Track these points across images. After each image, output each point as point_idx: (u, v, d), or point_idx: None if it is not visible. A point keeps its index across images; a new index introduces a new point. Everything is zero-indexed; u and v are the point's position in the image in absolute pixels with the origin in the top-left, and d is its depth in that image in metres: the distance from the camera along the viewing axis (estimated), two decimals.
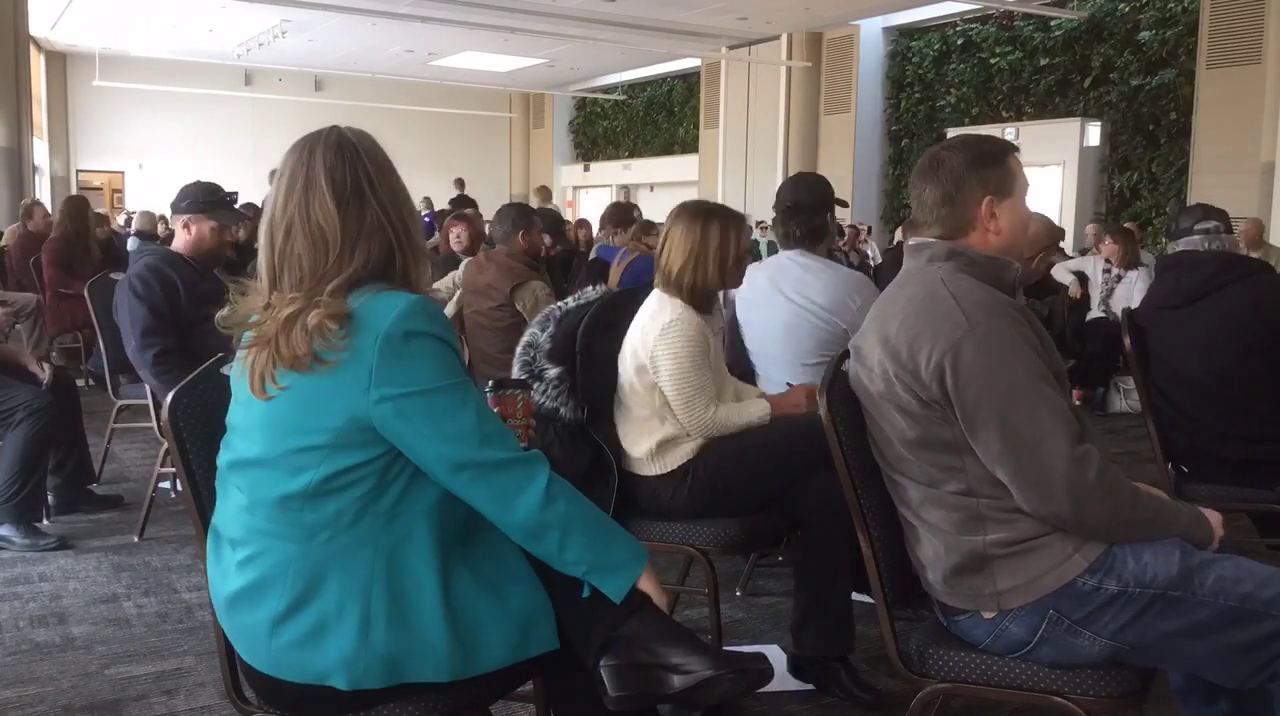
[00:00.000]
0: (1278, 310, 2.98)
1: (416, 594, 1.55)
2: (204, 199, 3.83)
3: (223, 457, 1.66)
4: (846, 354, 1.98)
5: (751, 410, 2.68)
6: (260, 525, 1.59)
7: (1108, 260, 7.41)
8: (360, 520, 1.54)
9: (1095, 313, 7.37)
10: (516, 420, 1.96)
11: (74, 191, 18.87)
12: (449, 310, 4.60)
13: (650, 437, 2.66)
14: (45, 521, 3.94)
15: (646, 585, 1.64)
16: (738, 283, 2.82)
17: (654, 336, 2.62)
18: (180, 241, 3.85)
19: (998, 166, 1.88)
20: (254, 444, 1.59)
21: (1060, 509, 1.72)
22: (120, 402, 4.43)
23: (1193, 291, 3.05)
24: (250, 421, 1.60)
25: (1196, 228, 3.12)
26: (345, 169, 1.56)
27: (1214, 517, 1.84)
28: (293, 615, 1.55)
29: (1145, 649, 1.74)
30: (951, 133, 14.70)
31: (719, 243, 2.67)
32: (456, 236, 6.21)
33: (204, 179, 4.10)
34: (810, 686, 2.66)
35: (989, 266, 1.87)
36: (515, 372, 2.74)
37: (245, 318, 1.60)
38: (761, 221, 16.00)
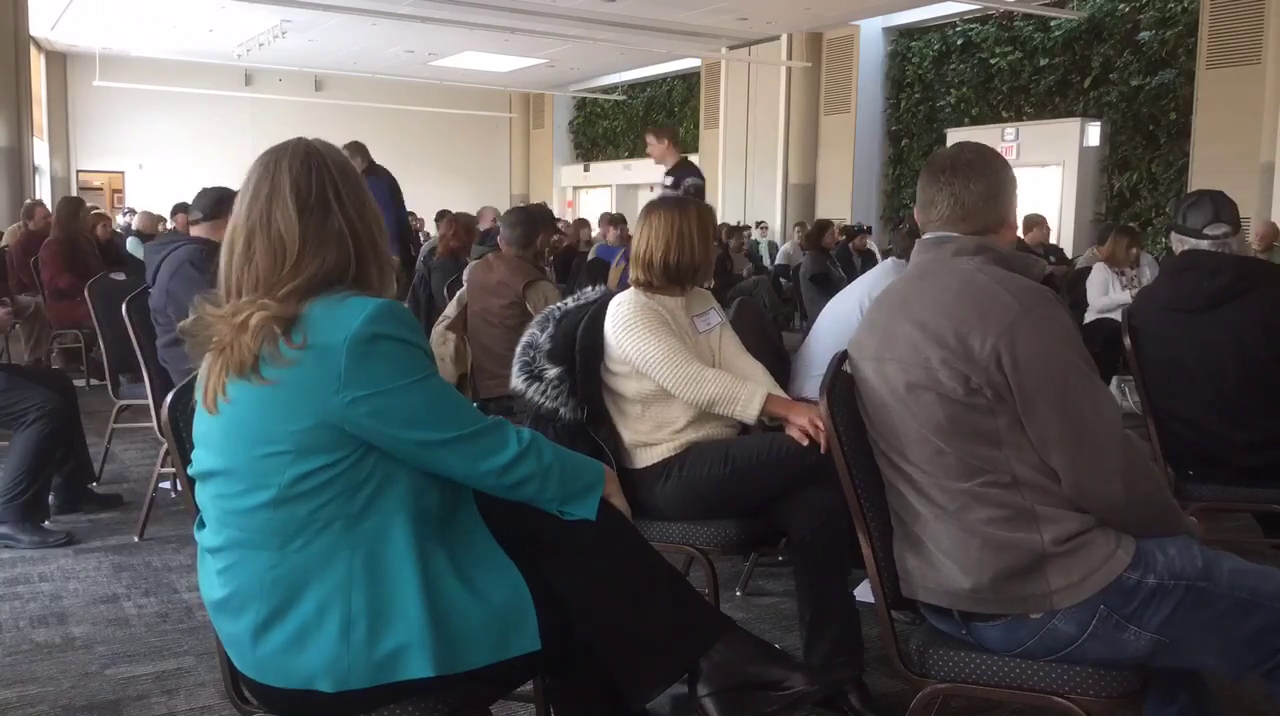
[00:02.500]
0: None
1: (397, 591, 1.55)
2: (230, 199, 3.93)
3: (191, 469, 1.67)
4: (847, 353, 1.97)
5: (748, 388, 2.61)
6: (234, 535, 1.59)
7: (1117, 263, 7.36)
8: (334, 523, 1.54)
9: (1099, 315, 7.33)
10: None
11: (74, 192, 18.92)
12: (449, 311, 4.60)
13: (632, 431, 2.68)
14: (46, 522, 3.94)
15: (612, 496, 1.76)
16: (710, 270, 2.84)
17: (610, 327, 2.66)
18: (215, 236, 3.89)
19: (1009, 169, 1.99)
20: (214, 455, 1.60)
21: (1113, 491, 1.74)
22: (120, 403, 4.43)
23: (1215, 296, 2.94)
24: (209, 432, 1.61)
25: (1206, 231, 3.01)
26: (311, 177, 1.58)
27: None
28: (274, 623, 1.56)
29: (1182, 642, 1.74)
30: (951, 133, 14.72)
31: (698, 223, 2.75)
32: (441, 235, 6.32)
33: (207, 183, 4.18)
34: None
35: (1019, 262, 1.90)
36: (515, 372, 2.74)
37: (207, 326, 1.60)
38: (761, 222, 16.05)
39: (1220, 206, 3.04)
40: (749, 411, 2.59)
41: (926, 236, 1.96)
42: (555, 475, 1.67)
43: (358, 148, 6.71)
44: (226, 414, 1.56)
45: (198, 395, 1.62)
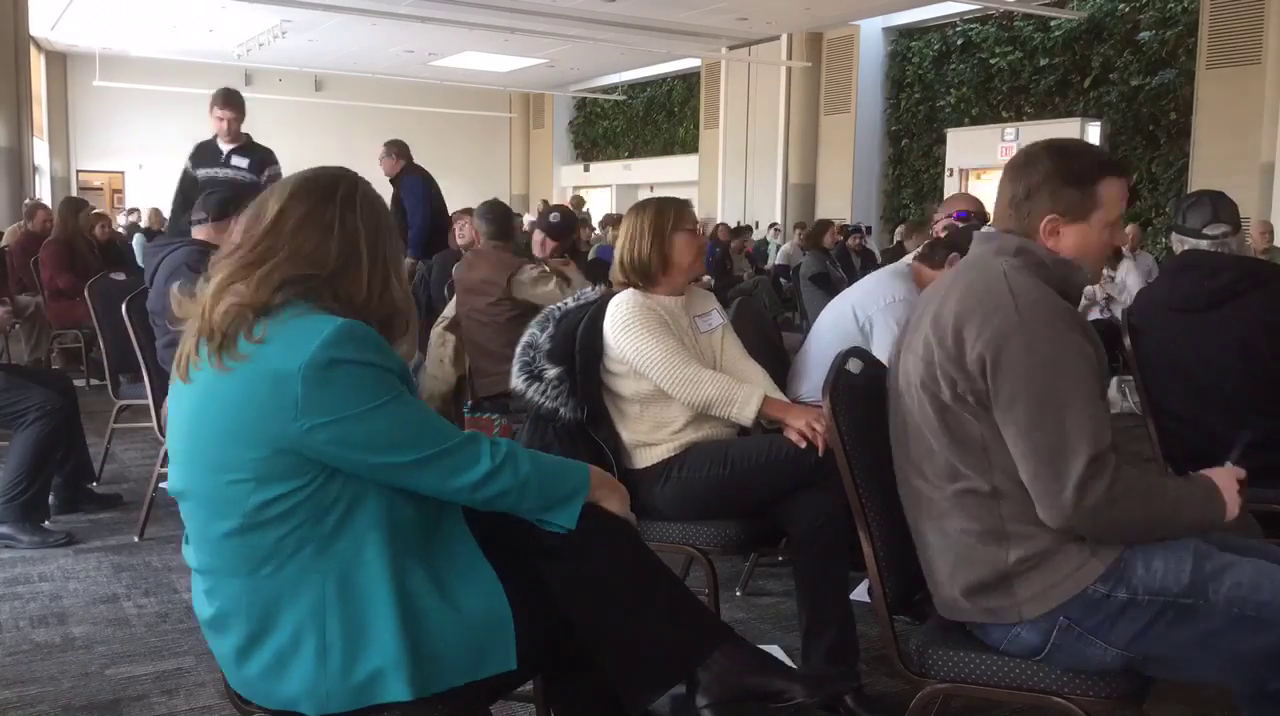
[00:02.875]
0: None
1: (372, 614, 1.52)
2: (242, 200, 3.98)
3: (169, 488, 1.66)
4: (850, 353, 1.98)
5: (745, 390, 2.61)
6: (208, 560, 1.59)
7: None
8: (304, 547, 1.52)
9: (1094, 314, 7.35)
10: None
11: (74, 192, 18.91)
12: (449, 311, 4.59)
13: (631, 432, 2.68)
14: (46, 522, 3.94)
15: (604, 499, 1.72)
16: (698, 265, 2.81)
17: (609, 326, 2.67)
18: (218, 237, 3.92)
19: (1080, 189, 1.83)
20: (183, 475, 1.59)
21: (1060, 522, 1.70)
22: (120, 403, 4.43)
23: (1215, 295, 2.92)
24: (178, 451, 1.59)
25: (1205, 231, 2.99)
26: (324, 175, 1.59)
27: (1228, 488, 1.79)
28: (253, 648, 1.56)
29: (1158, 658, 1.72)
30: (951, 133, 14.71)
31: (650, 221, 2.75)
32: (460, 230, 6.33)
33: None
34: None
35: (1057, 268, 1.83)
36: (515, 372, 2.74)
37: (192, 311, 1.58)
38: (774, 223, 16.09)
39: (1220, 207, 3.03)
40: (745, 413, 2.60)
41: (983, 229, 1.95)
42: (534, 486, 1.63)
43: (396, 146, 6.76)
44: (189, 437, 1.55)
45: (173, 397, 1.60)
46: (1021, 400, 1.70)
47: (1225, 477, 1.81)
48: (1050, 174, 1.83)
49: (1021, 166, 1.87)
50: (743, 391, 2.61)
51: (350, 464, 1.50)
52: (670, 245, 2.74)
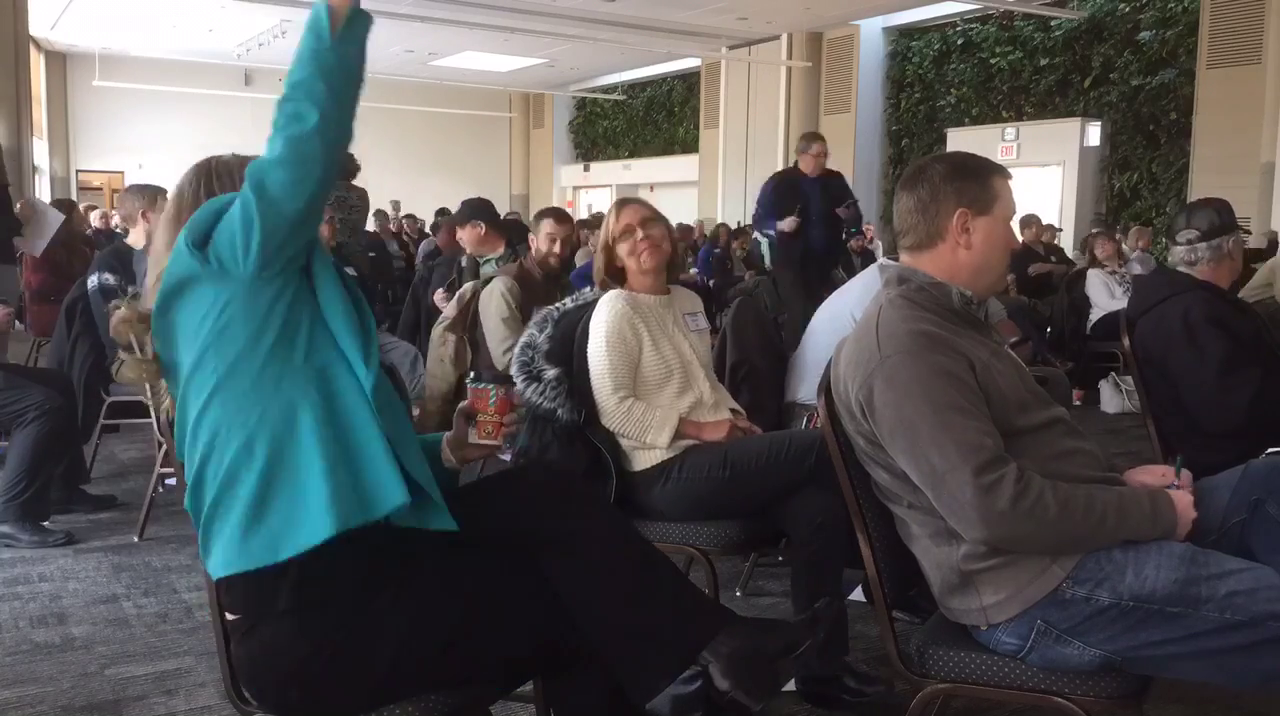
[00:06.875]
0: (1162, 342, 2.90)
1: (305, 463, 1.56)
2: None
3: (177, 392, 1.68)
4: None
5: (659, 417, 2.63)
6: (214, 419, 1.59)
7: (1109, 261, 7.38)
8: (286, 361, 1.59)
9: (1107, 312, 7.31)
10: (486, 415, 1.91)
11: (74, 192, 18.91)
12: (449, 311, 4.58)
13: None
14: (45, 522, 3.94)
15: None
16: (660, 269, 2.81)
17: (591, 323, 2.70)
18: None
19: (977, 181, 1.87)
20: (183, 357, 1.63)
21: (981, 536, 1.70)
22: (110, 399, 4.38)
23: (1128, 318, 3.06)
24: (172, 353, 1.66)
25: (1179, 237, 3.03)
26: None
27: (1185, 506, 1.75)
28: (266, 500, 1.56)
29: (1140, 660, 1.71)
30: (952, 133, 14.73)
31: (604, 228, 2.81)
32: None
33: None
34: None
35: (932, 292, 1.87)
36: (514, 372, 2.74)
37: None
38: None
39: (1192, 212, 3.04)
40: (659, 441, 2.62)
41: (879, 260, 2.02)
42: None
43: None
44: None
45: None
46: (896, 433, 1.75)
47: (1185, 499, 1.77)
48: (948, 173, 1.87)
49: (915, 176, 1.91)
50: (656, 419, 2.63)
51: (233, 225, 1.56)
52: (613, 256, 2.79)
